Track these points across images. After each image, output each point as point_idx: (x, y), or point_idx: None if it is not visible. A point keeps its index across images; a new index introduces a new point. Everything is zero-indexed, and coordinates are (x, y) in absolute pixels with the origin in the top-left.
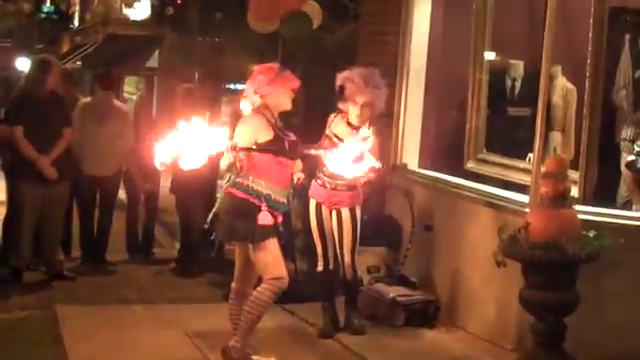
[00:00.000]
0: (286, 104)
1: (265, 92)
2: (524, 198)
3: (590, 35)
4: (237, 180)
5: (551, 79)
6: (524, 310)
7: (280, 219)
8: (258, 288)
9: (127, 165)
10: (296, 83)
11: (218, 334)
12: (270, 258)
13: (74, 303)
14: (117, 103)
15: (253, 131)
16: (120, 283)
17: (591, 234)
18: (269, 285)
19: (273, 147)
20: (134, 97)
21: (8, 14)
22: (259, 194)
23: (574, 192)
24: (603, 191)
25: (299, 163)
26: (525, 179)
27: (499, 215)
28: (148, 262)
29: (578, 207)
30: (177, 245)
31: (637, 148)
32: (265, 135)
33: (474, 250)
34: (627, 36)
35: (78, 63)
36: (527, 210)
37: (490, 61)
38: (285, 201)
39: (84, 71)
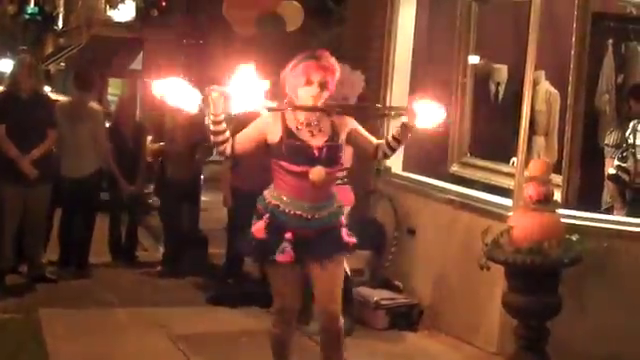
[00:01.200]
0: (302, 99)
1: (285, 88)
2: (508, 202)
3: (573, 40)
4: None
5: (534, 84)
6: (507, 314)
7: (289, 235)
8: None
9: (109, 167)
10: (316, 72)
11: (202, 337)
12: (271, 283)
13: (57, 306)
14: (91, 104)
15: (254, 126)
16: (103, 286)
17: (574, 238)
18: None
19: (273, 150)
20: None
21: None
22: (266, 203)
23: (557, 196)
24: (586, 195)
25: (317, 170)
26: (509, 183)
27: (483, 219)
28: (131, 265)
29: (561, 211)
30: (161, 248)
31: (617, 162)
32: (271, 136)
33: (457, 254)
34: (610, 41)
35: (62, 64)
36: (510, 214)
37: (474, 65)
38: (305, 214)
39: (68, 72)
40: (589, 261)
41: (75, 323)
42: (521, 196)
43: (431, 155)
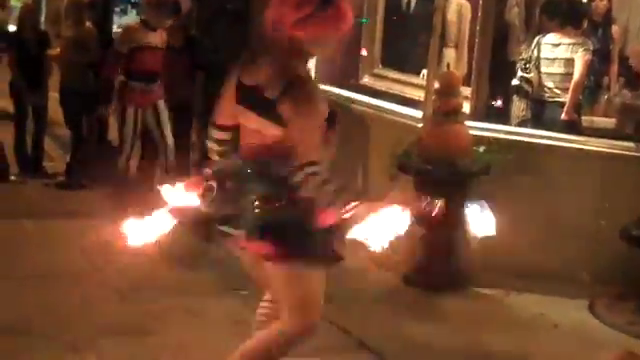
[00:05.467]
0: None
1: None
2: (418, 113)
3: None
4: None
5: None
6: (415, 224)
7: None
8: None
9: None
10: None
11: (110, 248)
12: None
13: None
14: None
15: None
16: (9, 197)
17: (481, 149)
18: None
19: None
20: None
21: None
22: None
23: (466, 108)
24: (494, 107)
25: None
26: (419, 95)
27: (393, 130)
28: (38, 176)
29: (469, 123)
30: (68, 158)
31: (520, 73)
32: None
33: (369, 165)
34: None
35: None
36: (420, 125)
37: None
38: None
39: None
40: (496, 172)
41: None
42: (431, 108)
43: (343, 67)
